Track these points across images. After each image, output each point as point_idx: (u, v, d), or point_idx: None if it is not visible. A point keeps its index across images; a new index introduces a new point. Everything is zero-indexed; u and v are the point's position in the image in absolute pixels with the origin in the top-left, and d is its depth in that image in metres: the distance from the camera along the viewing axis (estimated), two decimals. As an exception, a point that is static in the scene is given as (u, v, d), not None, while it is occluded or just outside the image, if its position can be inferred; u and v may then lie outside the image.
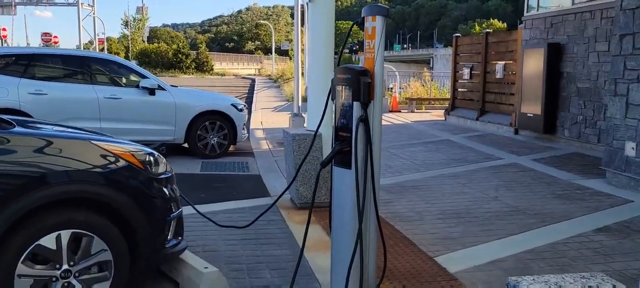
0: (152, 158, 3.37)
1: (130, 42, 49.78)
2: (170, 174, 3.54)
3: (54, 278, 2.92)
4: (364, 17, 3.52)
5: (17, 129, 3.01)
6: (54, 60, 8.33)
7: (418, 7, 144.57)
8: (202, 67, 52.37)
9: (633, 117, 6.28)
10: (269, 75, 46.30)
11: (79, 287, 2.98)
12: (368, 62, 3.48)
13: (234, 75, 52.12)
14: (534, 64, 10.28)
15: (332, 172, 3.58)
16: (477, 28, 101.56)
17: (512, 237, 4.70)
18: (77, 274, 2.97)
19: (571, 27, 9.59)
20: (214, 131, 8.89)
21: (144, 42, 54.97)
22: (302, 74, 31.62)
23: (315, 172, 5.66)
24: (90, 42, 45.52)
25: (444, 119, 14.59)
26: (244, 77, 46.96)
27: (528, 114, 10.48)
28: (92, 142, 3.16)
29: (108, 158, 3.13)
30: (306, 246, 4.49)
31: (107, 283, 3.06)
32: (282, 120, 15.19)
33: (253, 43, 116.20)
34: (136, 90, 8.32)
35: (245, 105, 9.51)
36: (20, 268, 2.80)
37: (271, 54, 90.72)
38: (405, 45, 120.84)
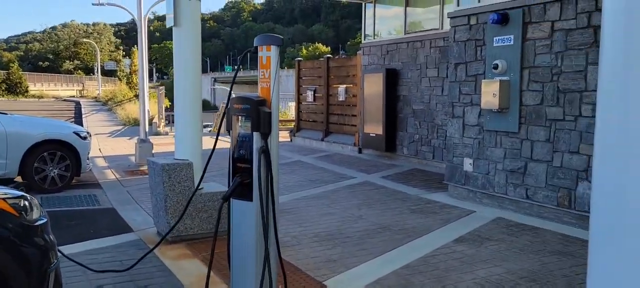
0: (26, 203, 2.93)
1: None
2: (45, 219, 3.11)
3: None
4: (257, 47, 3.52)
5: None
6: None
7: (247, 29, 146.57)
8: (14, 88, 46.67)
9: (469, 136, 7.12)
10: (95, 97, 42.98)
11: None
12: (264, 92, 3.48)
13: (53, 97, 47.36)
14: (374, 87, 11.10)
15: (230, 206, 3.48)
16: (304, 51, 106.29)
17: (387, 254, 5.00)
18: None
19: (405, 55, 10.58)
20: (54, 162, 7.99)
21: None
22: (137, 96, 29.97)
23: (184, 203, 5.43)
24: None
25: (289, 140, 14.98)
26: (65, 100, 42.89)
27: (371, 134, 11.25)
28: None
29: (-23, 207, 2.65)
30: (192, 283, 4.31)
31: None
32: (124, 147, 14.23)
33: (72, 62, 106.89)
34: (-43, 119, 7.15)
35: (88, 133, 8.72)
36: None
37: (94, 74, 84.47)
38: (235, 66, 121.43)
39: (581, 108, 5.73)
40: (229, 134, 3.51)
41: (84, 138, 8.44)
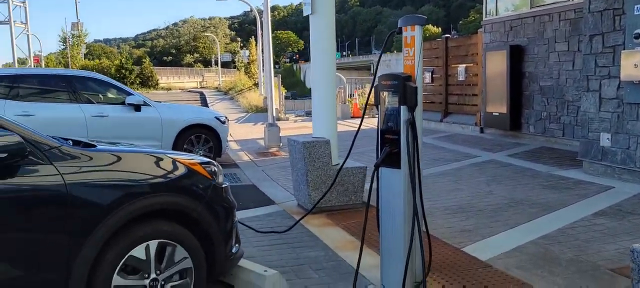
0: (214, 168, 3.47)
1: (69, 59, 47.93)
2: (227, 183, 3.65)
3: (143, 287, 2.98)
4: (401, 27, 3.78)
5: (101, 146, 3.05)
6: (37, 81, 8.08)
7: (355, 14, 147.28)
8: (147, 82, 51.16)
9: (606, 110, 6.85)
10: (216, 87, 45.80)
11: (165, 295, 3.05)
12: (408, 68, 3.72)
13: (179, 89, 51.23)
14: (496, 65, 10.89)
15: (379, 173, 3.79)
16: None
17: (522, 225, 5.07)
18: (163, 282, 3.04)
19: (531, 30, 10.25)
20: (199, 144, 8.89)
21: (82, 58, 53.12)
22: (257, 84, 31.62)
23: (324, 178, 5.87)
24: (22, 62, 43.51)
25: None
26: (190, 91, 46.24)
27: (493, 113, 11.07)
28: (168, 155, 3.24)
29: (183, 170, 3.22)
30: (337, 246, 4.72)
31: (188, 290, 3.15)
32: (250, 132, 15.24)
33: (192, 56, 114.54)
34: (122, 107, 8.22)
35: (226, 118, 9.56)
36: (116, 279, 2.86)
37: (211, 66, 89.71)
38: (344, 53, 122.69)
39: None
40: (377, 109, 3.81)
41: (223, 122, 9.27)
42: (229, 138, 13.61)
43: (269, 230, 4.97)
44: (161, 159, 3.21)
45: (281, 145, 11.24)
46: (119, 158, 3.03)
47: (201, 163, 3.38)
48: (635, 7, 6.31)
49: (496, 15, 11.62)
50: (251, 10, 29.87)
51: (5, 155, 2.49)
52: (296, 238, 4.96)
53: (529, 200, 5.95)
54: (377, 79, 3.82)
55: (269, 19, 11.91)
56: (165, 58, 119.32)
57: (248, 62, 42.45)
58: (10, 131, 2.58)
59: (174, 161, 3.23)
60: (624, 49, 6.47)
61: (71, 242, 2.69)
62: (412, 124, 3.59)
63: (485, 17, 12.00)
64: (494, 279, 3.83)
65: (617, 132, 6.69)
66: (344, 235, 5.03)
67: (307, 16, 6.14)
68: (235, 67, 55.04)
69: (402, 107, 3.61)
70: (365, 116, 4.02)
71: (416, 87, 3.62)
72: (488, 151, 9.44)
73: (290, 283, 3.89)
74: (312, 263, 4.31)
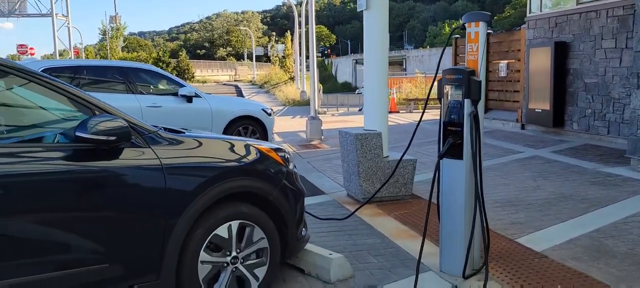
0: (287, 155, 3.69)
1: (108, 51, 49.18)
2: (296, 169, 3.87)
3: (224, 264, 3.22)
4: (464, 24, 3.92)
5: (189, 133, 3.30)
6: (95, 72, 8.48)
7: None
8: (183, 75, 52.16)
9: (656, 107, 6.84)
10: (251, 80, 46.39)
11: (244, 272, 3.29)
12: (472, 63, 3.88)
13: (215, 82, 52.06)
14: (540, 62, 10.86)
15: (441, 164, 3.95)
16: (447, 29, 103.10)
17: (574, 219, 5.15)
18: (242, 260, 3.28)
19: (576, 26, 10.20)
20: (247, 135, 9.17)
21: (121, 51, 54.45)
22: (292, 78, 31.94)
23: (375, 169, 6.05)
24: (61, 54, 44.80)
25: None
26: (225, 84, 46.94)
27: (536, 110, 11.05)
28: (248, 142, 3.47)
29: (261, 156, 3.45)
30: (392, 235, 4.90)
31: (264, 268, 3.39)
32: (290, 124, 15.51)
33: (225, 49, 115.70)
34: (175, 98, 8.55)
35: (272, 110, 9.81)
36: (202, 255, 3.11)
37: (244, 59, 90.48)
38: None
39: None
40: (440, 102, 3.97)
41: (269, 114, 9.53)
42: (272, 130, 13.97)
43: (329, 217, 5.19)
44: (242, 145, 3.45)
45: (323, 138, 11.45)
46: (206, 144, 3.27)
47: (275, 150, 3.60)
48: (690, 4, 6.29)
49: (540, 11, 11.56)
50: (283, 5, 30.15)
51: (114, 138, 2.74)
52: (351, 227, 5.16)
53: (578, 196, 6.01)
54: (441, 73, 3.96)
55: (313, 10, 12.05)
56: (199, 51, 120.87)
57: (283, 56, 42.85)
58: (116, 116, 2.83)
59: (253, 147, 3.46)
60: (677, 47, 6.44)
61: (166, 219, 2.93)
62: (475, 116, 3.75)
63: (529, 13, 11.95)
64: (550, 269, 3.95)
65: (667, 130, 6.68)
66: (397, 225, 5.21)
67: (361, 11, 6.31)
68: (268, 60, 55.48)
69: (466, 100, 3.76)
70: (422, 110, 4.17)
71: (480, 81, 3.77)
72: (531, 147, 9.46)
73: (352, 267, 4.09)
74: (370, 249, 4.50)
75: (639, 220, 5.03)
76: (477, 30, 3.84)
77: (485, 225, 3.89)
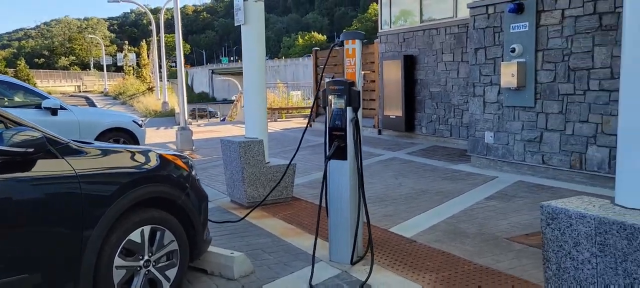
0: (190, 162, 3.92)
1: None
2: (197, 175, 4.10)
3: (138, 268, 3.36)
4: (343, 41, 4.50)
5: (97, 144, 3.38)
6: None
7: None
8: (21, 86, 47.21)
9: (489, 112, 8.12)
10: (102, 92, 43.71)
11: (156, 274, 3.46)
12: (350, 75, 4.46)
13: (61, 93, 47.99)
14: (392, 73, 12.07)
15: (328, 165, 4.45)
16: (300, 40, 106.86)
17: (432, 209, 6.01)
18: (154, 263, 3.45)
19: (421, 42, 11.54)
20: (118, 148, 8.96)
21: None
22: (151, 88, 30.80)
23: (258, 175, 6.42)
24: None
25: (310, 125, 15.93)
26: (73, 95, 43.55)
27: (390, 116, 12.24)
28: (154, 150, 3.63)
29: (168, 163, 3.63)
30: (281, 233, 5.31)
31: (175, 269, 3.58)
32: (156, 136, 15.17)
33: (67, 58, 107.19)
34: (37, 111, 8.09)
35: (143, 121, 9.68)
36: (117, 260, 3.22)
37: (90, 69, 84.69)
38: (231, 58, 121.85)
39: (589, 83, 6.73)
40: (325, 110, 4.48)
41: (141, 126, 9.40)
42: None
43: (225, 221, 5.43)
44: (149, 154, 3.62)
45: (194, 148, 11.49)
46: (115, 154, 3.39)
47: (179, 156, 3.82)
48: (511, 25, 7.61)
49: (390, 27, 12.83)
50: (132, 12, 29.13)
51: (32, 149, 2.79)
52: (242, 229, 5.47)
53: (433, 190, 6.96)
54: (325, 84, 4.48)
55: (179, 19, 12.00)
56: (37, 60, 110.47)
57: (138, 65, 41.12)
58: (31, 128, 2.87)
59: (160, 155, 3.64)
60: (503, 61, 7.75)
61: (83, 227, 3.02)
62: (356, 122, 4.32)
63: (381, 29, 13.18)
64: (419, 250, 4.65)
65: (498, 131, 7.97)
66: (284, 224, 5.63)
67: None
68: (120, 70, 52.71)
69: (348, 108, 4.32)
70: (309, 118, 4.64)
71: (359, 91, 4.35)
72: (389, 150, 10.51)
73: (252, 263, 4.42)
74: (264, 248, 4.86)
75: (481, 206, 6.04)
76: (354, 47, 4.44)
77: (368, 216, 4.47)
